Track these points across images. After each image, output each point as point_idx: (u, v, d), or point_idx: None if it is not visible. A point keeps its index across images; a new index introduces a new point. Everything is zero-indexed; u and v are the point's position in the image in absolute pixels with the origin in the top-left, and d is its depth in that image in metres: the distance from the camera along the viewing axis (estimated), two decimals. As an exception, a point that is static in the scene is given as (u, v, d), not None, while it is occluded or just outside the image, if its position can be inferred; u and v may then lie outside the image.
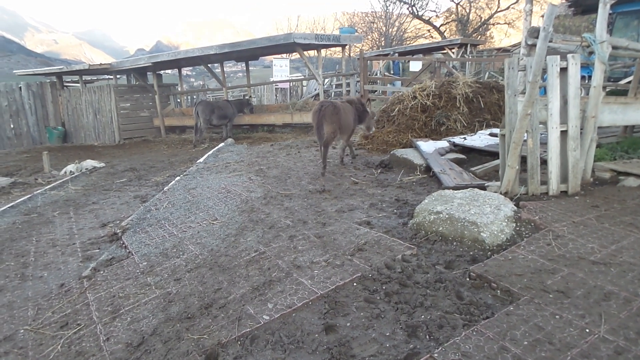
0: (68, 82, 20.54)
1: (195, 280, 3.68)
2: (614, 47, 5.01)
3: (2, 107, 17.18)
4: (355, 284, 3.26)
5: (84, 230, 5.60)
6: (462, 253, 3.67)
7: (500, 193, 4.65)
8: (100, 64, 16.65)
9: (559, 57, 4.67)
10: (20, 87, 17.52)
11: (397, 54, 22.05)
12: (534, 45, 4.80)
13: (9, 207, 6.82)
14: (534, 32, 4.91)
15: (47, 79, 18.79)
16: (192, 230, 4.93)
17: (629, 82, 9.36)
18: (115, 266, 4.27)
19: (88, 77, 20.52)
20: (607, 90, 11.88)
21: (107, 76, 21.10)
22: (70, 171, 10.12)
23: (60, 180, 8.90)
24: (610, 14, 13.65)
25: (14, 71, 20.37)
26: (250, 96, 18.05)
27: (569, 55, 4.61)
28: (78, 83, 18.76)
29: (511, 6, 32.64)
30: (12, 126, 17.48)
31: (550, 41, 4.63)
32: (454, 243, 3.85)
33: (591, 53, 4.83)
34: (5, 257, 4.88)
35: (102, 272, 4.16)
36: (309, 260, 3.71)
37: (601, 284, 2.92)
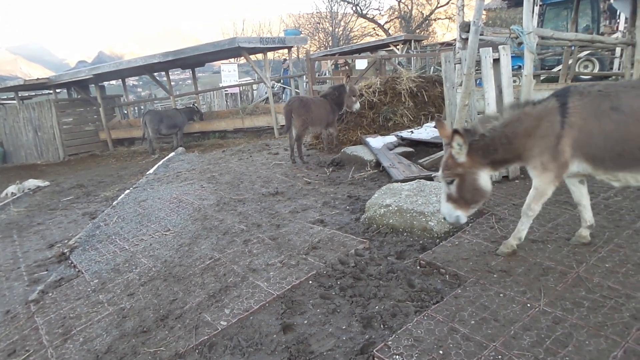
0: (4, 99, 19.47)
1: (149, 294, 3.61)
2: (541, 37, 5.31)
3: None
4: (310, 281, 3.31)
5: (30, 253, 5.37)
6: (413, 243, 3.79)
7: (446, 182, 4.82)
8: (37, 78, 15.89)
9: (491, 49, 4.91)
10: (-52, 109, 16.44)
11: (338, 55, 22.29)
12: (468, 39, 5.01)
13: (-56, 236, 6.42)
14: (465, 27, 5.13)
15: (-21, 97, 17.76)
16: (144, 243, 4.83)
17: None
18: (64, 287, 4.13)
19: (25, 93, 19.50)
20: (543, 77, 12.55)
21: (46, 91, 20.13)
22: (12, 192, 9.59)
23: (1, 203, 8.45)
24: (540, 5, 14.46)
25: (-59, 92, 19.05)
26: (196, 103, 17.59)
27: (500, 47, 4.85)
28: (14, 100, 17.80)
29: (451, 1, 33.64)
30: (-59, 151, 16.40)
31: (481, 34, 4.84)
32: (405, 234, 3.97)
33: (520, 44, 5.10)
34: (-57, 288, 4.60)
35: (50, 294, 4.01)
36: (264, 263, 3.72)
37: (540, 261, 3.11)
